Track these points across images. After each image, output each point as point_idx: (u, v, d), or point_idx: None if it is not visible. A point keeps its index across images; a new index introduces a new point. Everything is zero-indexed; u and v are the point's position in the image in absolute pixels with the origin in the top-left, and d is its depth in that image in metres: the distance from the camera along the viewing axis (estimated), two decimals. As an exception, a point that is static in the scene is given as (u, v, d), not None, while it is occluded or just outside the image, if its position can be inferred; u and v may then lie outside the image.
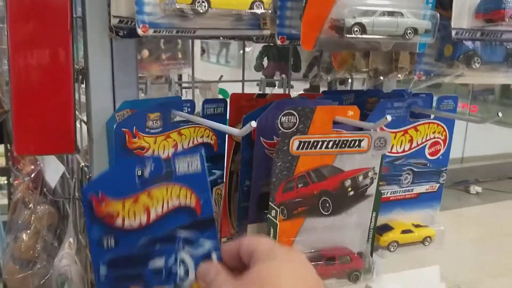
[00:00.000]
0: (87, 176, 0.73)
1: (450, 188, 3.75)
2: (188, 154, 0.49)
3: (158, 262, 0.49)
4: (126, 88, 0.64)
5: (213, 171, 0.68)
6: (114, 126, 0.60)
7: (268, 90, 0.79)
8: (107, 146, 0.64)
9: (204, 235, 0.50)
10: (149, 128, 0.62)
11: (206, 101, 0.65)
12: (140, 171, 0.48)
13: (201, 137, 0.66)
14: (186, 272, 0.49)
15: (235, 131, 0.49)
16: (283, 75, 0.80)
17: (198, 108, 0.67)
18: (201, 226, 0.50)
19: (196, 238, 0.49)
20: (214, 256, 0.49)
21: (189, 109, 0.64)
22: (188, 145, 0.65)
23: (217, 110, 0.66)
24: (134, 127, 0.61)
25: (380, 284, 0.81)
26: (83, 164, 0.77)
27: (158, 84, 0.74)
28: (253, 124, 0.45)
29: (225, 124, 0.67)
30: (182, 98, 0.72)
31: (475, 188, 3.75)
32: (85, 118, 0.67)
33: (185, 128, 0.64)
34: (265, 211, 0.63)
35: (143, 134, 0.61)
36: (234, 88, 0.85)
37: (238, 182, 0.71)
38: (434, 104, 0.74)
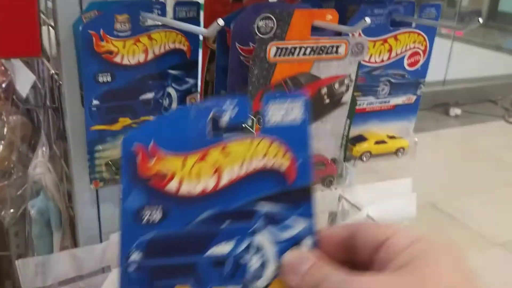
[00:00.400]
0: (57, 84, 0.71)
1: (430, 110, 3.79)
2: (287, 97, 0.34)
3: (224, 248, 0.34)
4: (92, -12, 0.61)
5: (186, 79, 0.66)
6: (80, 28, 0.57)
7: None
8: (75, 50, 0.62)
9: (297, 211, 0.35)
10: (117, 31, 0.59)
11: (178, 3, 0.62)
12: (215, 116, 0.33)
13: (173, 43, 0.63)
14: (263, 264, 0.34)
15: (202, 30, 0.47)
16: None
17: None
18: (293, 198, 0.34)
19: (284, 215, 0.34)
20: (308, 242, 0.34)
21: (159, 12, 0.60)
22: (159, 50, 0.62)
23: (189, 14, 0.63)
24: (101, 30, 0.58)
25: (353, 194, 0.83)
26: (53, 71, 0.74)
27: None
28: (220, 22, 0.43)
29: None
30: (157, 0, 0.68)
31: (454, 111, 3.79)
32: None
33: (155, 32, 0.61)
34: (241, 120, 0.62)
35: (111, 38, 0.58)
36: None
37: (213, 92, 0.70)
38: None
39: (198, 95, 0.70)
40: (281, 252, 0.34)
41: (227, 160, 0.34)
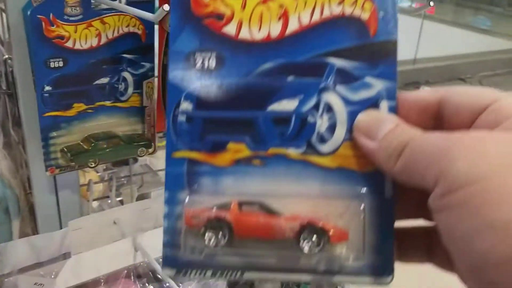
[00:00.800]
0: (10, 69, 0.69)
1: (401, 89, 3.83)
2: None
3: (287, 104, 0.30)
4: (41, -29, 0.59)
5: (142, 63, 0.65)
6: (29, 13, 0.56)
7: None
8: (26, 35, 0.60)
9: (375, 70, 0.29)
10: (68, 15, 0.58)
11: (131, -13, 0.61)
12: None
13: (126, 26, 0.62)
14: (332, 125, 0.30)
15: (149, 15, 0.46)
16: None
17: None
18: (372, 54, 0.30)
19: (359, 73, 0.29)
20: (385, 106, 0.29)
21: (111, -5, 0.59)
22: (112, 34, 0.61)
23: (143, -3, 0.62)
24: (51, 14, 0.57)
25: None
26: (7, 56, 0.73)
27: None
28: (166, 7, 0.43)
29: (153, 12, 0.64)
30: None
31: (424, 89, 3.84)
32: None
33: (108, 16, 0.60)
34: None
35: (62, 22, 0.57)
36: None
37: (171, 76, 0.69)
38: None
39: (155, 79, 0.69)
40: (354, 114, 0.29)
41: (296, 2, 0.29)
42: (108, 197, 0.82)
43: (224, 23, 0.29)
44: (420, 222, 0.31)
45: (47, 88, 0.59)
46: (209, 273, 0.29)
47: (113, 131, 0.65)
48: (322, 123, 0.29)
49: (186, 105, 0.29)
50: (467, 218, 0.22)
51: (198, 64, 0.29)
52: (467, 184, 0.22)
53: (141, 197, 0.96)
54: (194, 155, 0.29)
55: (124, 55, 0.63)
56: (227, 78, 0.29)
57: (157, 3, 0.66)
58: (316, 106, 0.29)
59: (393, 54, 0.30)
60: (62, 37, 0.58)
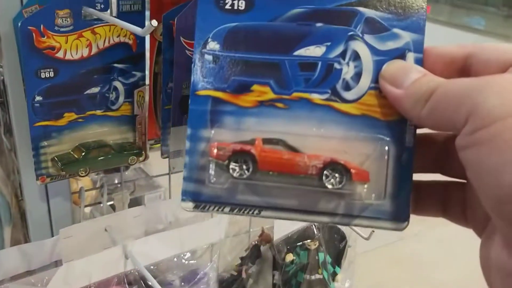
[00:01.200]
0: (1, 77, 0.70)
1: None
2: None
3: (314, 50, 0.30)
4: (32, -19, 0.59)
5: (133, 72, 0.66)
6: (19, 24, 0.56)
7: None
8: (16, 46, 0.61)
9: (403, 22, 0.30)
10: (58, 26, 0.58)
11: (122, -3, 0.61)
12: None
13: (117, 36, 0.62)
14: (358, 73, 0.30)
15: (137, 30, 0.47)
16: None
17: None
18: (404, 6, 0.30)
19: (388, 24, 0.30)
20: (411, 58, 0.30)
21: (102, 5, 0.60)
22: (103, 44, 0.62)
23: (134, 7, 0.62)
24: (42, 25, 0.57)
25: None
26: (-2, 64, 0.73)
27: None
28: (154, 23, 0.43)
29: (144, 22, 0.64)
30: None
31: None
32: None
33: (99, 26, 0.61)
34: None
35: (52, 33, 0.58)
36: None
37: (162, 84, 0.70)
38: None
39: (146, 88, 0.70)
40: (380, 63, 0.30)
41: None
42: (100, 203, 0.82)
43: None
44: (436, 177, 0.32)
45: (38, 98, 0.59)
46: (227, 209, 0.30)
47: (104, 140, 0.66)
48: (348, 71, 0.30)
49: (213, 45, 0.30)
50: (497, 152, 0.22)
51: (228, 5, 0.30)
52: (500, 119, 0.23)
53: (134, 201, 0.97)
54: (218, 94, 0.30)
55: (115, 65, 0.64)
56: (256, 20, 0.30)
57: (147, 14, 0.67)
58: (343, 54, 0.30)
59: (423, 7, 0.30)
60: (53, 48, 0.58)
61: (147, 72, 0.68)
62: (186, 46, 0.63)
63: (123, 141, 0.67)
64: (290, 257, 0.77)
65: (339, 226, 0.82)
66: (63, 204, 0.70)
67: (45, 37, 0.57)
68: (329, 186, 0.29)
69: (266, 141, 0.30)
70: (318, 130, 0.30)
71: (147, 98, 0.70)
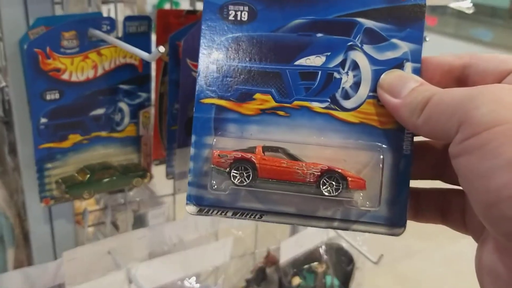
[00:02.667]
0: (7, 97, 0.69)
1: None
2: None
3: (315, 60, 0.31)
4: (39, 3, 0.59)
5: (138, 93, 0.65)
6: (25, 46, 0.56)
7: (201, 6, 0.74)
8: (22, 67, 0.60)
9: (402, 33, 0.31)
10: (64, 48, 0.57)
11: (128, 18, 0.61)
12: None
13: (123, 57, 0.62)
14: (357, 82, 0.31)
15: (144, 55, 0.46)
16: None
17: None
18: (401, 16, 0.31)
19: (386, 35, 0.31)
20: (409, 66, 0.30)
21: (108, 27, 0.59)
22: (109, 66, 0.61)
23: (140, 28, 0.62)
24: (48, 47, 0.56)
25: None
26: (4, 84, 0.73)
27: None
28: (161, 49, 0.42)
29: (150, 43, 0.64)
30: (105, 15, 0.67)
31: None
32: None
33: (105, 48, 0.60)
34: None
35: (58, 55, 0.57)
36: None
37: (168, 104, 0.69)
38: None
39: (152, 109, 0.69)
40: (379, 73, 0.31)
41: None
42: (103, 223, 0.81)
43: None
44: (436, 185, 0.33)
45: (43, 120, 0.59)
46: (229, 213, 0.31)
47: (109, 162, 0.65)
48: (347, 80, 0.31)
49: (217, 55, 0.31)
50: (486, 158, 0.23)
51: (231, 16, 0.31)
52: (490, 127, 0.23)
53: (138, 218, 0.96)
54: (222, 102, 0.31)
55: (121, 86, 0.63)
56: (258, 31, 0.31)
57: (153, 38, 0.66)
58: (342, 63, 0.31)
59: (421, 18, 0.31)
60: (58, 70, 0.58)
61: (152, 93, 0.68)
62: (192, 68, 0.62)
63: (127, 163, 0.67)
64: (296, 280, 0.76)
65: (346, 249, 0.81)
66: (66, 226, 0.69)
67: (51, 59, 0.57)
68: (326, 194, 0.30)
69: (267, 148, 0.31)
70: (318, 137, 0.31)
71: (152, 118, 0.69)
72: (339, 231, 0.80)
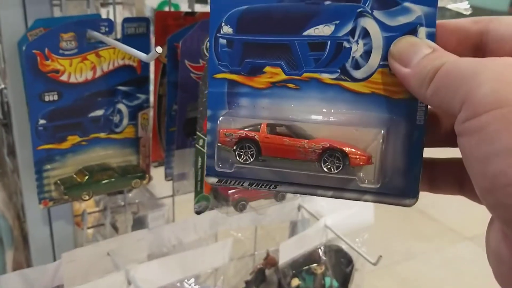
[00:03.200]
0: (6, 99, 0.69)
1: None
2: None
3: (323, 32, 0.30)
4: (38, 4, 0.59)
5: (137, 95, 0.65)
6: (24, 48, 0.56)
7: (199, 8, 0.75)
8: (21, 69, 0.60)
9: None
10: (63, 49, 0.58)
11: (126, 20, 0.61)
12: None
13: (122, 59, 0.62)
14: (367, 53, 0.29)
15: (142, 55, 0.46)
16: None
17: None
18: None
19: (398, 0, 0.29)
20: (423, 33, 0.29)
21: (107, 29, 0.59)
22: (108, 67, 0.61)
23: (138, 30, 0.62)
24: (46, 48, 0.57)
25: (312, 203, 0.84)
26: (3, 86, 0.73)
27: (75, 0, 0.69)
28: (159, 49, 0.42)
29: (148, 45, 0.64)
30: (104, 16, 0.67)
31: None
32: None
33: (103, 49, 0.60)
34: (194, 137, 0.62)
35: (57, 56, 0.57)
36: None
37: (167, 106, 0.69)
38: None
39: (151, 110, 0.69)
40: (391, 40, 0.29)
41: None
42: (103, 224, 0.81)
43: None
44: (452, 154, 0.31)
45: (41, 121, 0.59)
46: (246, 183, 0.32)
47: (107, 163, 0.65)
48: (357, 49, 0.30)
49: (226, 29, 0.31)
50: (485, 142, 0.23)
51: None
52: (490, 109, 0.23)
53: (138, 221, 0.96)
54: (233, 77, 0.31)
55: (119, 87, 0.63)
56: (266, 2, 0.30)
57: (153, 40, 0.66)
58: (352, 32, 0.29)
59: None
60: (57, 71, 0.58)
61: (151, 94, 0.68)
62: (191, 69, 0.62)
63: (126, 164, 0.67)
64: (295, 282, 0.76)
65: (346, 250, 0.81)
66: (65, 227, 0.69)
67: (50, 60, 0.57)
68: (327, 171, 0.30)
69: (271, 126, 0.31)
70: (329, 109, 0.30)
71: (151, 120, 0.70)
72: (338, 232, 0.80)
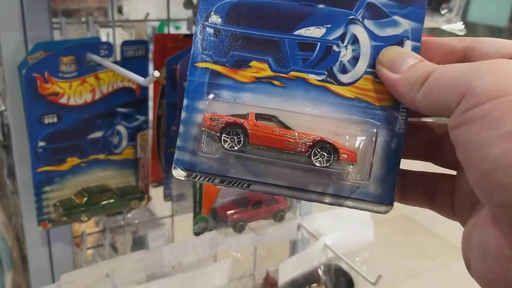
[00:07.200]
0: (6, 121, 0.70)
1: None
2: None
3: (314, 31, 0.31)
4: (38, 29, 0.60)
5: (136, 116, 0.66)
6: (24, 71, 0.57)
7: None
8: (21, 92, 0.61)
9: (403, 11, 0.31)
10: (62, 73, 0.58)
11: (125, 43, 0.62)
12: None
13: (121, 81, 0.63)
14: (354, 59, 0.31)
15: (140, 79, 0.47)
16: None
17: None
18: None
19: (387, 11, 0.31)
20: (409, 44, 0.30)
21: (106, 52, 0.60)
22: (107, 90, 0.62)
23: (137, 53, 0.63)
24: (46, 72, 0.57)
25: (312, 222, 0.84)
26: (3, 108, 0.74)
27: (75, 23, 0.70)
28: (156, 74, 0.43)
29: (147, 67, 0.65)
30: (105, 40, 0.68)
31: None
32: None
33: (103, 72, 0.61)
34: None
35: (56, 79, 0.58)
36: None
37: (166, 127, 0.70)
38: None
39: (150, 131, 0.69)
40: (378, 49, 0.30)
41: None
42: (102, 245, 0.81)
43: None
44: (426, 168, 0.32)
45: (41, 143, 0.59)
46: (217, 180, 0.30)
47: (106, 184, 0.65)
48: (346, 54, 0.30)
49: (215, 18, 0.30)
50: (488, 127, 0.23)
51: None
52: (493, 98, 0.24)
53: (137, 240, 0.96)
54: (217, 68, 0.30)
55: (119, 109, 0.64)
56: None
57: (150, 66, 0.67)
58: (342, 36, 0.30)
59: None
60: (56, 94, 0.59)
61: (150, 115, 0.69)
62: (189, 90, 0.63)
63: (125, 185, 0.67)
64: (295, 302, 0.76)
65: (346, 270, 0.80)
66: (64, 249, 0.69)
67: (49, 83, 0.58)
68: (317, 164, 0.30)
69: (260, 116, 0.30)
70: (312, 110, 0.31)
71: (150, 141, 0.70)
72: (338, 251, 0.79)
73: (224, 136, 0.30)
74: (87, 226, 0.85)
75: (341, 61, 0.30)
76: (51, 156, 0.61)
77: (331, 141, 0.30)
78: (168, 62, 0.64)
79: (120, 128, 0.65)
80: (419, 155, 0.33)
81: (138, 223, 0.86)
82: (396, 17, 0.30)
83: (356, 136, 0.30)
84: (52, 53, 0.58)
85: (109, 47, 0.61)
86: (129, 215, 0.82)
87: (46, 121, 0.59)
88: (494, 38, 0.30)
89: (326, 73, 0.30)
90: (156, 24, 2.04)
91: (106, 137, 0.64)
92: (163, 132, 0.71)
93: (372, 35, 0.30)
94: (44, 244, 0.68)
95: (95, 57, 0.57)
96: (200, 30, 0.30)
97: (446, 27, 0.60)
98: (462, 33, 0.59)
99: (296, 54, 0.30)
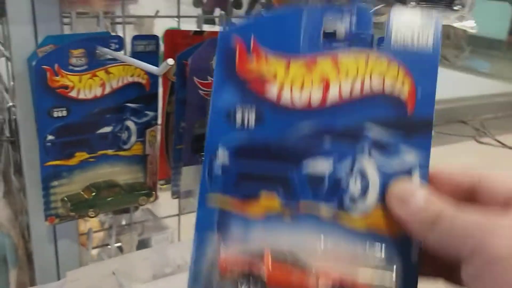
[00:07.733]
0: (14, 117, 0.69)
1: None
2: (419, 15, 0.30)
3: (322, 165, 0.31)
4: (48, 22, 0.60)
5: (146, 112, 0.65)
6: (34, 63, 0.56)
7: (207, 29, 0.76)
8: (30, 85, 0.61)
9: (410, 141, 0.30)
10: (72, 66, 0.58)
11: (136, 37, 0.62)
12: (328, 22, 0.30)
13: (131, 76, 0.62)
14: (364, 189, 0.31)
15: (153, 69, 0.47)
16: (223, 12, 0.77)
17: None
18: (409, 128, 0.30)
19: (394, 143, 0.30)
20: (416, 174, 0.30)
21: (117, 46, 0.60)
22: (117, 84, 0.62)
23: (148, 48, 0.63)
24: (56, 64, 0.57)
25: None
26: (11, 104, 0.73)
27: (85, 18, 0.70)
28: (170, 61, 0.43)
29: (157, 62, 0.64)
30: (114, 34, 0.68)
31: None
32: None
33: (113, 66, 0.61)
34: (201, 153, 0.62)
35: (66, 72, 0.58)
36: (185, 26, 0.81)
37: (174, 124, 0.69)
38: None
39: (159, 127, 0.69)
40: (387, 180, 0.30)
41: (337, 73, 0.30)
42: (108, 244, 0.80)
43: (266, 86, 0.31)
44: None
45: (50, 137, 0.59)
46: None
47: (115, 180, 0.65)
48: (355, 187, 0.30)
49: (222, 158, 0.31)
50: (497, 285, 0.25)
51: (238, 121, 0.31)
52: (505, 259, 0.25)
53: (142, 243, 0.95)
54: (226, 200, 0.30)
55: (128, 104, 0.63)
56: (265, 135, 0.31)
57: (161, 52, 0.67)
58: (350, 170, 0.31)
59: (429, 129, 0.31)
60: (66, 87, 0.58)
61: (159, 112, 0.68)
62: (199, 86, 0.63)
63: (133, 181, 0.66)
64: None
65: None
66: (70, 246, 0.68)
67: (59, 76, 0.57)
68: None
69: (276, 258, 0.30)
70: (325, 245, 0.30)
71: (159, 137, 0.70)
72: None
73: (240, 282, 0.30)
74: (92, 227, 0.84)
75: (350, 194, 0.30)
76: (60, 150, 0.60)
77: (350, 284, 0.29)
78: (178, 57, 0.64)
79: (129, 124, 0.64)
80: (431, 275, 0.33)
81: (143, 222, 0.85)
82: (403, 147, 0.31)
83: (373, 272, 0.30)
84: (62, 45, 0.57)
85: (120, 41, 0.60)
86: (135, 214, 0.81)
87: (55, 114, 0.58)
88: (501, 173, 0.30)
89: (337, 206, 0.30)
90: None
91: (115, 132, 0.64)
92: (171, 129, 0.70)
93: (380, 167, 0.31)
94: (50, 241, 0.67)
95: (106, 50, 0.57)
96: (208, 171, 0.31)
97: (457, 24, 0.60)
98: (475, 30, 0.59)
99: (305, 188, 0.31)
